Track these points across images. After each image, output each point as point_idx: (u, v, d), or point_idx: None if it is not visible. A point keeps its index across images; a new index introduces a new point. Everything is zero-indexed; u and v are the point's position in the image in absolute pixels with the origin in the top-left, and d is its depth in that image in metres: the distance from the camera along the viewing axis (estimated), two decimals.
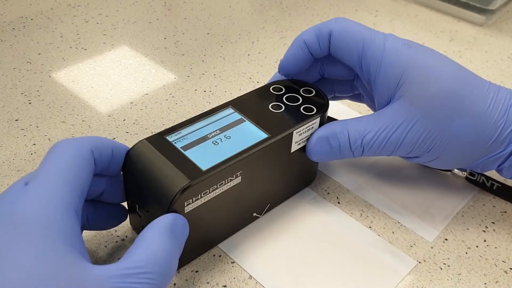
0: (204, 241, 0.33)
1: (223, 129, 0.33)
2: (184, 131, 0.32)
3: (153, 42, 0.57)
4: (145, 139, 0.31)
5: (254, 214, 0.36)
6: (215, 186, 0.30)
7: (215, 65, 0.54)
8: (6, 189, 0.27)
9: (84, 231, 0.33)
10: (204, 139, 0.32)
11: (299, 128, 0.33)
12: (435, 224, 0.37)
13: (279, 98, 0.36)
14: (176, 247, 0.27)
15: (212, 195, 0.30)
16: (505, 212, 0.38)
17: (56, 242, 0.24)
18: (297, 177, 0.37)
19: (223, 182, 0.30)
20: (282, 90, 0.36)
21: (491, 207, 0.39)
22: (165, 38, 0.58)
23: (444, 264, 0.34)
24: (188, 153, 0.30)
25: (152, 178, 0.29)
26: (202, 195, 0.29)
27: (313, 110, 0.35)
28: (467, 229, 0.37)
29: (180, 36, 0.58)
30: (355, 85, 0.39)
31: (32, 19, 0.60)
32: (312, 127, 0.35)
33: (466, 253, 0.35)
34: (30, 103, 0.47)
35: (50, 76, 0.51)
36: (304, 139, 0.35)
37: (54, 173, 0.26)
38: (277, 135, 0.32)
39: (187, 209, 0.29)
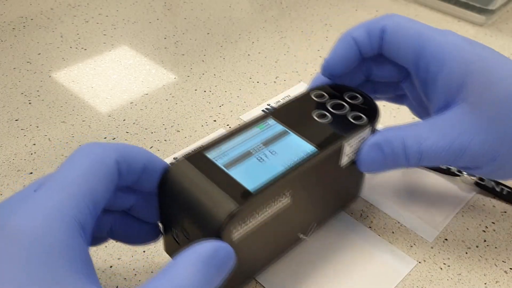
0: (245, 271, 0.30)
1: (266, 143, 0.29)
2: (224, 147, 0.29)
3: (153, 42, 0.57)
4: (184, 157, 0.28)
5: (300, 235, 0.33)
6: (264, 208, 0.27)
7: (215, 65, 0.54)
8: (19, 191, 0.25)
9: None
10: (247, 155, 0.29)
11: (350, 139, 0.30)
12: (435, 224, 0.37)
13: (323, 106, 0.32)
14: (210, 283, 0.23)
15: (260, 219, 0.27)
16: (505, 212, 0.38)
17: (50, 260, 0.20)
18: (344, 192, 0.35)
19: (272, 203, 0.27)
20: (325, 96, 0.33)
21: (491, 207, 0.39)
22: (165, 38, 0.58)
23: (444, 264, 0.34)
24: (232, 172, 0.27)
25: (194, 201, 0.26)
26: (251, 220, 0.26)
27: (363, 119, 0.31)
28: (467, 229, 0.37)
29: (180, 36, 0.58)
30: (401, 86, 0.36)
31: (32, 19, 0.60)
32: (363, 138, 0.31)
33: (466, 253, 0.35)
34: (30, 103, 0.47)
35: (50, 76, 0.51)
36: (354, 151, 0.32)
37: (66, 181, 0.23)
38: (327, 148, 0.29)
39: (235, 236, 0.26)
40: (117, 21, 0.60)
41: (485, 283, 0.33)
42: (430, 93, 0.32)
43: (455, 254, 0.35)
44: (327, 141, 0.30)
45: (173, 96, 0.49)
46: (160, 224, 0.30)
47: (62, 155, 0.42)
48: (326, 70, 0.34)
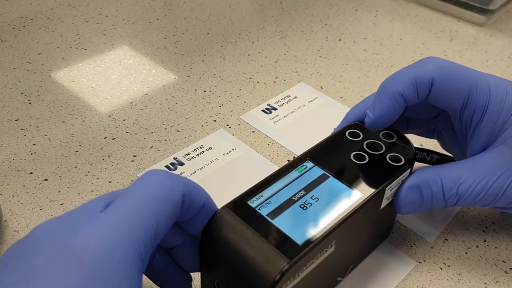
0: None
1: (307, 189, 0.29)
2: (265, 193, 0.28)
3: (153, 42, 0.57)
4: (226, 206, 0.27)
5: (338, 279, 0.32)
6: (312, 260, 0.26)
7: (215, 65, 0.54)
8: (82, 204, 0.24)
9: None
10: (290, 202, 0.28)
11: (391, 183, 0.30)
12: (435, 224, 0.37)
13: (359, 146, 0.32)
14: None
15: (307, 270, 0.26)
16: (505, 212, 0.38)
17: None
18: (379, 232, 0.35)
19: (319, 255, 0.27)
20: (359, 135, 0.33)
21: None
22: (165, 38, 0.58)
23: (444, 264, 0.34)
24: (277, 222, 0.27)
25: (241, 256, 0.25)
26: (299, 274, 0.26)
27: (401, 160, 0.31)
28: (467, 229, 0.37)
29: (180, 36, 0.58)
30: (433, 121, 0.37)
31: (32, 19, 0.60)
32: (402, 180, 0.31)
33: (466, 253, 0.35)
34: (30, 103, 0.47)
35: (50, 76, 0.51)
36: (393, 194, 0.32)
37: (133, 208, 0.23)
38: (369, 192, 0.29)
39: None
40: (117, 21, 0.60)
41: (485, 283, 0.33)
42: (470, 136, 0.32)
43: (455, 254, 0.35)
44: (369, 185, 0.29)
45: (173, 96, 0.49)
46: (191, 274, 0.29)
47: (62, 155, 0.42)
48: (372, 126, 0.33)
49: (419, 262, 0.34)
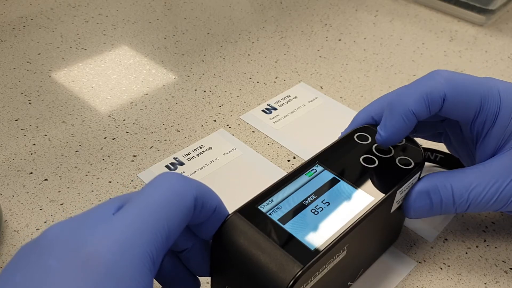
0: None
1: (318, 193, 0.29)
2: (276, 198, 0.28)
3: (153, 42, 0.57)
4: (237, 211, 0.27)
5: (348, 283, 0.32)
6: (324, 265, 0.26)
7: (215, 65, 0.54)
8: (94, 206, 0.24)
9: None
10: (301, 207, 0.28)
11: (402, 186, 0.30)
12: (435, 224, 0.37)
13: (368, 149, 0.32)
14: None
15: (320, 276, 0.26)
16: None
17: None
18: (388, 236, 0.35)
19: (332, 260, 0.27)
20: (368, 139, 0.33)
21: None
22: (165, 38, 0.58)
23: (444, 264, 0.34)
24: (289, 227, 0.26)
25: (252, 260, 0.25)
26: (312, 279, 0.25)
27: (410, 163, 0.31)
28: (467, 229, 0.37)
29: (180, 36, 0.58)
30: (441, 125, 0.36)
31: (32, 19, 0.60)
32: (412, 183, 0.31)
33: (466, 253, 0.35)
34: (30, 103, 0.47)
35: (50, 76, 0.51)
36: (403, 197, 0.31)
37: (146, 211, 0.23)
38: (380, 196, 0.29)
39: None
40: (117, 21, 0.60)
41: (485, 283, 0.33)
42: (480, 142, 0.32)
43: (455, 254, 0.35)
44: (379, 189, 0.29)
45: (173, 96, 0.49)
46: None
47: (62, 155, 0.42)
48: (384, 143, 0.32)
49: (419, 262, 0.34)
